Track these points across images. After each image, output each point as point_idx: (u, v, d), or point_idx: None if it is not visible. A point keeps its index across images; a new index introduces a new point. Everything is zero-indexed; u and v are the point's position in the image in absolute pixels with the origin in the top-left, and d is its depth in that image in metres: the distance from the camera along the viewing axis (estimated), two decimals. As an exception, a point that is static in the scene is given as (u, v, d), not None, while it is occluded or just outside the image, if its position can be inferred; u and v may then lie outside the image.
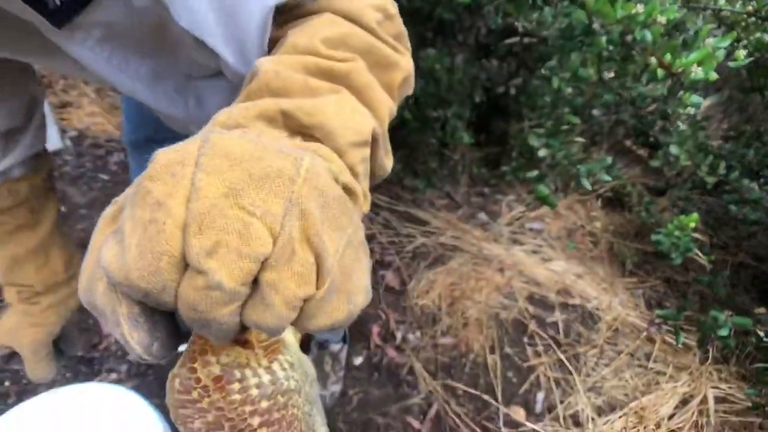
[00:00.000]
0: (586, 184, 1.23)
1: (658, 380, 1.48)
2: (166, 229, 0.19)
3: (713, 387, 1.45)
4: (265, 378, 0.31)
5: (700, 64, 0.89)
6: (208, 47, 0.38)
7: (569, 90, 1.25)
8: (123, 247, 0.19)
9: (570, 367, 1.49)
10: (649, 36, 0.93)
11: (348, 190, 0.27)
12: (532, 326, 1.60)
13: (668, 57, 0.92)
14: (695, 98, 1.04)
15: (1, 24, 0.41)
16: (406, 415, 1.35)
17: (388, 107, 0.35)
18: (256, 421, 0.30)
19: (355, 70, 0.33)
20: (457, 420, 1.34)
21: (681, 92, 1.06)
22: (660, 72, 0.94)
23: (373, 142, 0.31)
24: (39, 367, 0.74)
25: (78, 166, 1.87)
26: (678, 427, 1.38)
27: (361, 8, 0.36)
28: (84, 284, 0.22)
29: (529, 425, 1.35)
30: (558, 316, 1.65)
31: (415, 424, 1.34)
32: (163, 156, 0.21)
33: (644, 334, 1.65)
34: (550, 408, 1.41)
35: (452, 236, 1.88)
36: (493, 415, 1.38)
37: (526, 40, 1.70)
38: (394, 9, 0.40)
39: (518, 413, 1.38)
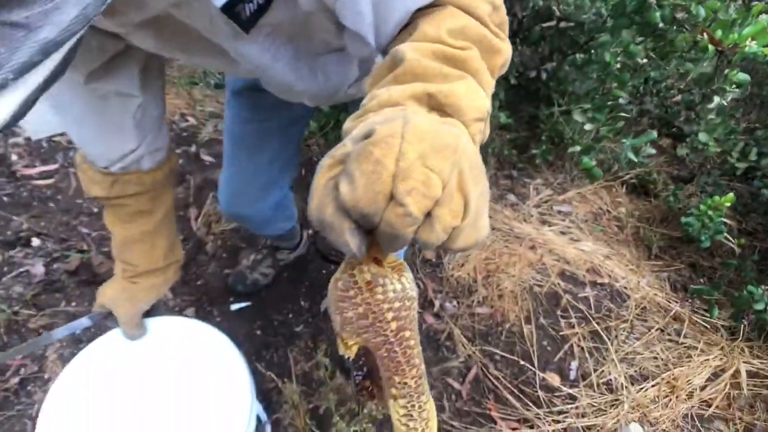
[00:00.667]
0: (632, 156, 1.27)
1: (689, 354, 1.52)
2: (383, 178, 0.29)
3: (745, 362, 1.49)
4: (398, 286, 0.41)
5: (754, 38, 0.94)
6: (347, 33, 0.47)
7: (617, 66, 1.29)
8: (353, 186, 0.29)
9: (604, 338, 1.54)
10: (702, 12, 0.97)
11: None
12: (565, 300, 1.65)
13: (719, 33, 0.97)
14: (742, 75, 1.09)
15: (178, 34, 0.53)
16: (446, 376, 1.40)
17: (491, 87, 0.43)
18: (390, 315, 0.41)
19: (471, 58, 0.40)
20: (496, 382, 1.39)
21: (727, 70, 1.10)
22: (710, 48, 0.99)
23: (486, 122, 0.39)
24: (131, 331, 0.87)
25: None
26: (710, 398, 1.42)
27: (477, 2, 0.43)
28: (315, 206, 0.32)
29: (565, 390, 1.40)
30: (589, 292, 1.70)
31: (455, 384, 1.39)
32: (380, 129, 0.30)
33: (673, 312, 1.69)
34: (584, 375, 1.46)
35: (484, 215, 1.92)
36: (530, 379, 1.42)
37: (562, 24, 1.75)
38: (499, 0, 0.46)
39: (554, 379, 1.43)
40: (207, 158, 1.95)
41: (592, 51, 1.76)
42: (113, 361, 0.88)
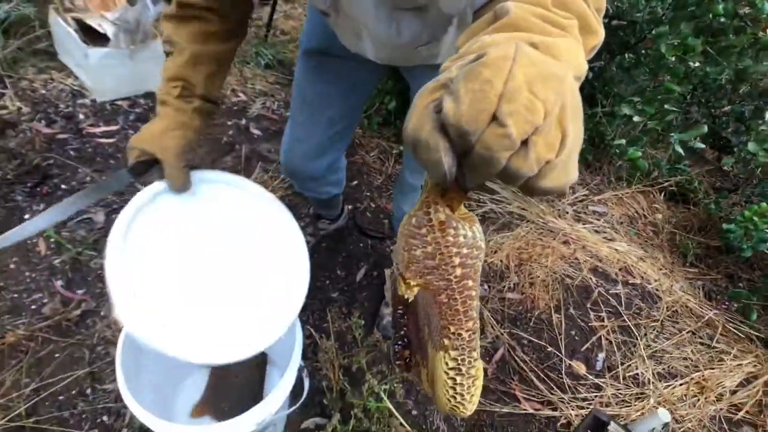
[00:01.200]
0: (680, 149, 1.28)
1: (721, 358, 1.51)
2: (490, 96, 0.29)
3: (779, 371, 1.47)
4: (469, 233, 0.41)
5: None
6: None
7: (672, 58, 1.31)
8: (458, 103, 0.30)
9: (633, 334, 1.54)
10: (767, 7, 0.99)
11: None
12: (596, 294, 1.66)
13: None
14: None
15: None
16: (473, 354, 1.44)
17: (586, 65, 0.42)
18: (457, 260, 0.41)
19: (573, 26, 0.40)
20: (522, 365, 1.42)
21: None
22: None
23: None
24: (178, 175, 0.78)
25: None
26: (741, 402, 1.41)
27: None
28: (413, 125, 0.33)
29: (591, 379, 1.42)
30: (620, 290, 1.71)
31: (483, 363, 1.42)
32: (493, 52, 0.30)
33: (706, 318, 1.68)
34: (611, 367, 1.47)
35: (519, 206, 1.95)
36: (556, 366, 1.44)
37: (614, 22, 1.77)
38: None
39: (580, 367, 1.45)
40: (255, 131, 2.04)
41: (642, 52, 1.77)
42: (163, 216, 0.82)
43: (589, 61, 1.46)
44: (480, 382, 0.47)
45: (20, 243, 1.39)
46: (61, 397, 1.15)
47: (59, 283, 1.34)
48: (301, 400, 1.01)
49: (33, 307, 1.28)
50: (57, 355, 1.21)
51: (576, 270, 1.73)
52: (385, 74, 1.18)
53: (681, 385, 1.42)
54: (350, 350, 1.29)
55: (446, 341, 0.44)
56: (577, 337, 1.53)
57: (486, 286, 1.63)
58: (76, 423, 1.12)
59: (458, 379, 0.45)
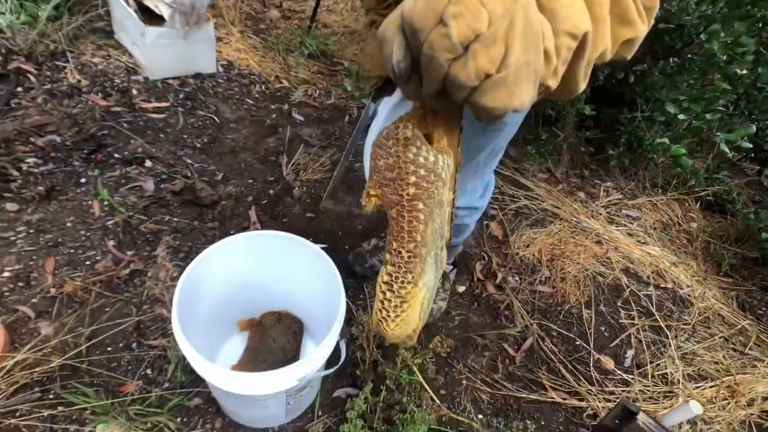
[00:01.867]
0: (725, 148, 1.28)
1: (754, 364, 1.49)
2: (441, 0, 0.31)
3: (813, 380, 1.44)
4: (431, 158, 0.43)
5: None
6: None
7: (723, 57, 1.31)
8: (415, 3, 0.32)
9: (664, 334, 1.54)
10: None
11: (546, 54, 0.35)
12: (627, 293, 1.65)
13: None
14: None
15: None
16: (502, 341, 1.46)
17: (605, 46, 0.42)
18: (412, 178, 0.43)
19: (600, 3, 0.39)
20: (551, 355, 1.43)
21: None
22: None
23: (581, 46, 0.38)
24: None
25: (228, 89, 2.12)
26: (771, 408, 1.39)
27: None
28: (384, 24, 0.35)
29: (619, 374, 1.42)
30: (652, 291, 1.70)
31: (511, 351, 1.44)
32: None
33: (739, 327, 1.66)
34: (639, 365, 1.46)
35: (552, 204, 1.96)
36: (584, 359, 1.45)
37: (661, 26, 1.77)
38: None
39: (608, 362, 1.45)
40: (297, 117, 2.10)
41: (688, 57, 1.77)
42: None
43: (631, 64, 1.47)
44: (413, 311, 0.48)
45: (76, 204, 1.47)
46: (109, 348, 1.22)
47: (111, 242, 1.41)
48: (339, 364, 1.04)
49: (87, 263, 1.35)
50: (107, 309, 1.28)
51: (608, 269, 1.73)
52: None
53: (711, 387, 1.41)
54: (383, 326, 1.33)
55: (387, 256, 0.47)
56: (606, 333, 1.54)
57: (518, 278, 1.64)
58: (122, 372, 1.18)
59: (388, 294, 0.47)
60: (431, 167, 0.43)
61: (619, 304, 1.63)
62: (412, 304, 0.49)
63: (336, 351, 1.03)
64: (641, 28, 0.45)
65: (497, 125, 0.92)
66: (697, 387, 1.41)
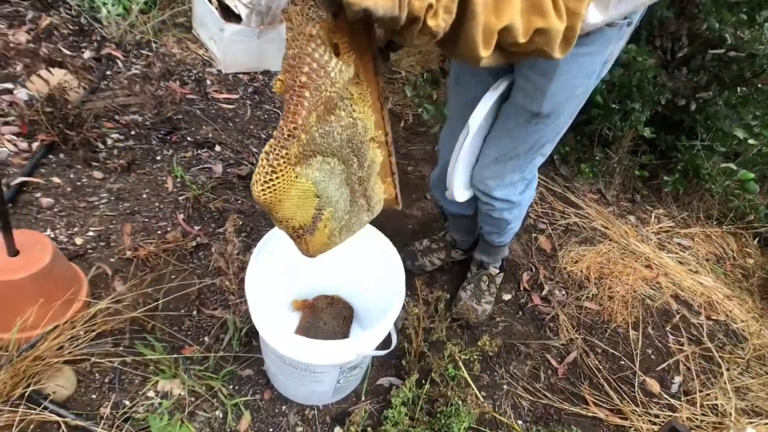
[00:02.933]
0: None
1: (811, 405, 1.43)
2: None
3: None
4: (326, 57, 0.49)
5: None
6: None
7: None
8: None
9: (715, 364, 1.49)
10: None
11: None
12: (677, 320, 1.62)
13: None
14: None
15: None
16: (545, 352, 1.45)
17: (510, 22, 0.50)
18: (305, 68, 0.49)
19: None
20: (595, 371, 1.42)
21: None
22: None
23: (469, 4, 0.47)
24: None
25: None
26: (828, 453, 1.33)
27: None
28: None
29: (665, 398, 1.39)
30: (703, 321, 1.66)
31: (554, 362, 1.43)
32: None
33: (794, 367, 1.59)
34: (687, 392, 1.43)
35: (602, 225, 1.95)
36: (629, 379, 1.43)
37: (731, 53, 1.75)
38: None
39: (654, 385, 1.42)
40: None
41: (757, 86, 1.74)
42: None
43: (694, 91, 1.45)
44: (281, 182, 0.55)
45: (152, 179, 1.58)
46: (173, 313, 1.30)
47: (181, 216, 1.50)
48: (391, 347, 1.08)
49: (159, 232, 1.45)
50: (173, 276, 1.36)
51: (657, 293, 1.70)
52: None
53: (767, 424, 1.36)
54: (431, 320, 1.35)
55: (275, 131, 0.54)
56: (653, 356, 1.51)
57: (564, 292, 1.64)
58: (183, 336, 1.26)
59: (263, 161, 0.55)
60: (323, 64, 0.49)
61: (667, 329, 1.59)
62: (281, 173, 0.56)
63: (387, 337, 1.06)
64: (554, 22, 0.52)
65: (537, 119, 0.94)
66: (751, 422, 1.36)
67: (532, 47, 0.55)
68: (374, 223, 1.66)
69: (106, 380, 1.12)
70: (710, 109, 2.00)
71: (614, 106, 1.84)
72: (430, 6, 0.45)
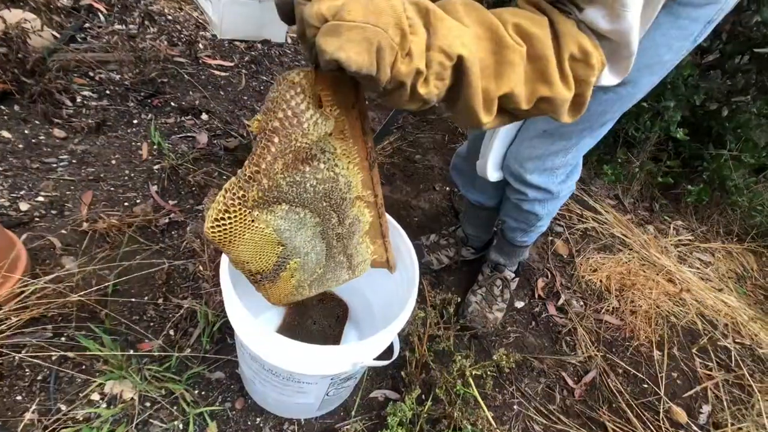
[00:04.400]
0: None
1: None
2: None
3: None
4: (302, 106, 0.47)
5: None
6: None
7: None
8: None
9: (750, 392, 1.33)
10: None
11: (409, 51, 0.41)
12: (704, 342, 1.46)
13: None
14: None
15: None
16: (561, 369, 1.28)
17: (510, 89, 0.47)
18: (280, 114, 0.48)
19: (513, 50, 0.46)
20: (616, 394, 1.25)
21: None
22: None
23: (461, 69, 0.44)
24: None
25: (294, 60, 2.04)
26: None
27: (572, 35, 0.48)
28: None
29: (693, 429, 1.22)
30: (731, 344, 1.50)
31: (570, 381, 1.26)
32: None
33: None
34: (717, 425, 1.26)
35: (621, 232, 1.79)
36: (653, 405, 1.26)
37: (773, 55, 1.60)
38: (595, 59, 0.49)
39: (681, 415, 1.25)
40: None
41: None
42: None
43: (728, 95, 1.26)
44: (233, 223, 0.55)
45: (124, 143, 1.37)
46: (133, 299, 1.09)
47: (154, 188, 1.30)
48: (392, 359, 0.89)
49: (126, 203, 1.24)
50: (138, 256, 1.16)
51: (682, 310, 1.54)
52: None
53: (803, 466, 1.20)
54: (437, 326, 1.17)
55: (239, 170, 0.53)
56: (679, 381, 1.34)
57: (582, 303, 1.47)
58: (143, 327, 1.05)
59: (219, 198, 0.54)
60: (297, 113, 0.48)
61: (694, 350, 1.43)
62: (237, 226, 0.56)
63: (389, 346, 0.88)
64: (560, 91, 0.49)
65: (606, 87, 0.75)
66: (787, 462, 1.20)
67: (537, 113, 0.53)
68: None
69: (38, 378, 0.91)
70: (742, 117, 1.85)
71: (645, 104, 1.68)
72: (419, 72, 0.42)
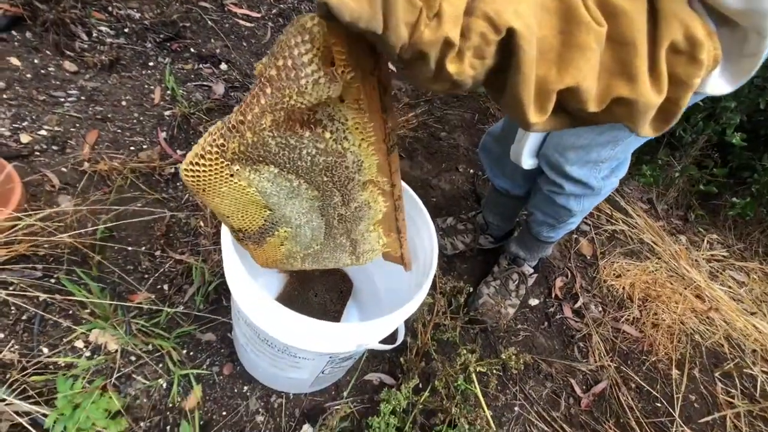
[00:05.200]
0: None
1: None
2: None
3: None
4: (305, 59, 0.39)
5: None
6: None
7: None
8: None
9: (770, 427, 1.24)
10: None
11: (438, 14, 0.31)
12: (729, 366, 1.36)
13: None
14: None
15: None
16: (570, 375, 1.20)
17: (576, 82, 0.34)
18: (279, 62, 0.40)
19: (584, 26, 0.33)
20: (626, 410, 1.16)
21: None
22: None
23: (508, 46, 0.32)
24: None
25: (324, 18, 1.94)
26: None
27: (677, 16, 0.35)
28: None
29: (707, 459, 1.14)
30: (758, 373, 1.39)
31: (578, 389, 1.18)
32: None
33: None
34: (732, 456, 1.18)
35: (651, 239, 1.67)
36: (665, 426, 1.17)
37: None
38: (705, 53, 0.35)
39: (694, 441, 1.17)
40: (390, 67, 1.88)
41: None
42: None
43: None
44: (206, 173, 0.49)
45: (137, 85, 1.30)
46: (129, 248, 1.04)
47: (163, 134, 1.23)
48: (397, 344, 0.82)
49: (131, 147, 1.18)
50: (138, 203, 1.10)
51: (708, 330, 1.43)
52: None
53: None
54: (444, 315, 1.09)
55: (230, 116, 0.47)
56: (696, 405, 1.25)
57: (601, 308, 1.37)
58: (136, 279, 1.00)
59: (200, 141, 0.49)
60: (298, 65, 0.40)
61: (717, 374, 1.33)
62: (210, 176, 0.50)
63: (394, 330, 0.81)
64: (646, 93, 0.36)
65: None
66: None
67: (607, 119, 0.38)
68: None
69: (23, 318, 0.86)
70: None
71: (700, 102, 1.53)
72: (449, 43, 0.31)
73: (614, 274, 1.47)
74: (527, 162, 0.88)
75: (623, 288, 1.44)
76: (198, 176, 0.50)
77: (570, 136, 0.81)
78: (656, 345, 1.32)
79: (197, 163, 0.49)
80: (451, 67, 0.32)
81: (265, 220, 0.60)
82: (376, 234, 0.69)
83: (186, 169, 0.50)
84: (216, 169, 0.49)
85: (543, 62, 0.34)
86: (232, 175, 0.51)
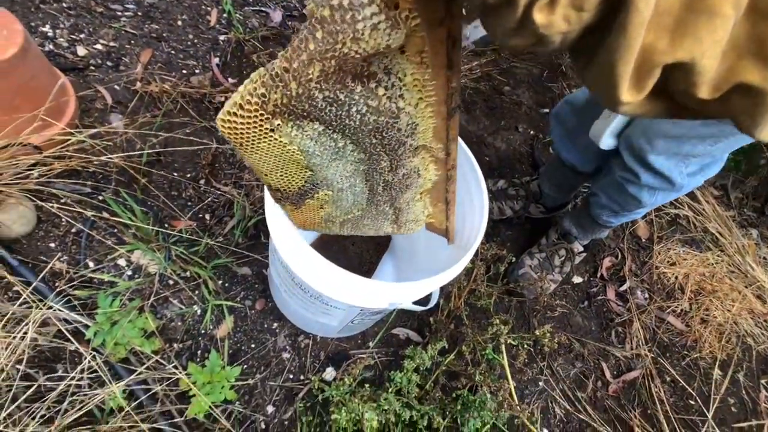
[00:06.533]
0: None
1: None
2: None
3: None
4: (368, 12, 0.34)
5: None
6: None
7: None
8: None
9: (812, 443, 1.17)
10: None
11: None
12: (777, 374, 1.27)
13: None
14: None
15: None
16: (602, 359, 1.16)
17: (691, 57, 0.26)
18: (335, 2, 0.34)
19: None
20: (656, 402, 1.12)
21: None
22: None
23: (621, 5, 0.25)
24: None
25: None
26: None
27: None
28: None
29: (734, 464, 1.09)
30: (807, 385, 1.30)
31: (608, 373, 1.14)
32: None
33: None
34: (762, 466, 1.12)
35: (717, 230, 1.53)
36: (695, 425, 1.13)
37: None
38: None
39: (724, 444, 1.12)
40: (457, 7, 1.73)
41: None
42: None
43: None
44: (244, 125, 0.45)
45: (194, 4, 1.25)
46: (175, 174, 1.04)
47: (216, 60, 1.20)
48: (429, 306, 0.80)
49: (184, 71, 1.16)
50: (187, 130, 1.09)
51: (764, 334, 1.33)
52: None
53: None
54: (481, 281, 1.06)
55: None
56: (734, 409, 1.19)
57: (647, 295, 1.29)
58: (179, 206, 1.01)
59: (240, 89, 0.43)
60: (356, 5, 0.34)
61: (763, 381, 1.25)
62: (248, 130, 0.45)
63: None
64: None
65: None
66: None
67: (719, 112, 0.29)
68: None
69: (72, 231, 0.90)
70: None
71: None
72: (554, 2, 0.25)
73: (668, 262, 1.37)
74: (606, 142, 0.78)
75: (676, 277, 1.34)
76: (235, 129, 0.46)
77: (665, 122, 0.71)
78: (702, 341, 1.25)
79: (235, 113, 0.44)
80: (539, 16, 0.26)
81: (305, 181, 0.56)
82: (422, 204, 0.64)
83: (223, 120, 0.45)
84: (255, 122, 0.45)
85: (654, 27, 0.27)
86: (272, 130, 0.46)
